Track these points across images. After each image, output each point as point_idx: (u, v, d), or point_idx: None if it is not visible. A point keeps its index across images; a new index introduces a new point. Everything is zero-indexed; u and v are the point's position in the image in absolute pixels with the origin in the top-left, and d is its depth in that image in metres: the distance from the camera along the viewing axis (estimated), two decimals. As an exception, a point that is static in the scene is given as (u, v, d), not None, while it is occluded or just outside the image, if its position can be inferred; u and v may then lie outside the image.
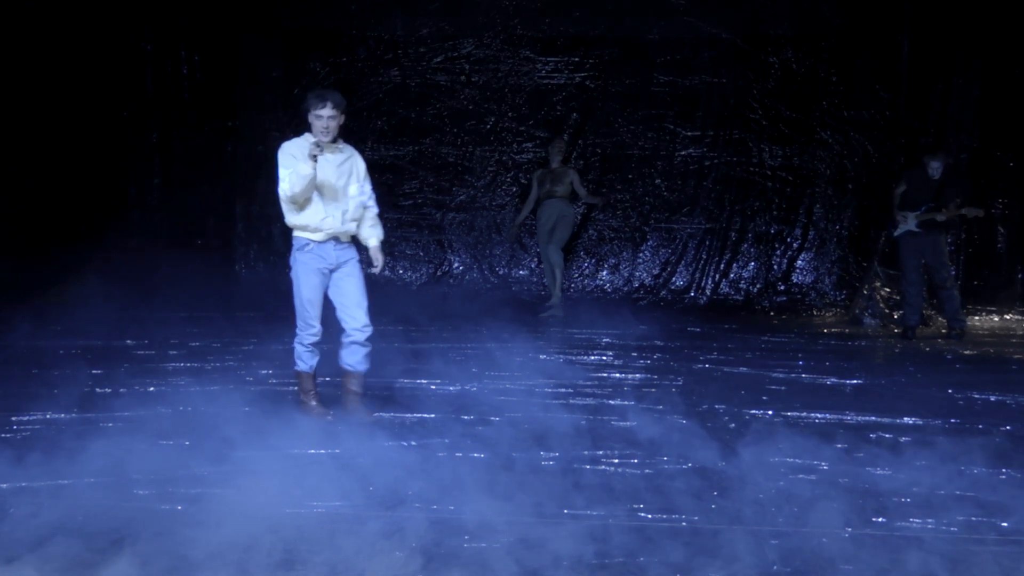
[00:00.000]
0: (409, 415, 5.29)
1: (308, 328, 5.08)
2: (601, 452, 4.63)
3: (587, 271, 11.35)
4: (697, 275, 11.19)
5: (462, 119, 11.28)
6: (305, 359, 5.17)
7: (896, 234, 8.84)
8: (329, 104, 4.87)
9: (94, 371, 6.22)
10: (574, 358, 7.08)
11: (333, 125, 4.93)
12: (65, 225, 9.97)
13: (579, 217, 10.95)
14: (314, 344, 5.15)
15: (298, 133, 5.08)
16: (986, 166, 10.39)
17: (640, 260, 11.28)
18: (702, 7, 10.92)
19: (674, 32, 11.01)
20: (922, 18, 10.42)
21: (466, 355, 7.04)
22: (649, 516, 3.75)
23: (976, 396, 6.05)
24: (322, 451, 4.46)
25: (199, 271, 10.36)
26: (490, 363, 6.61)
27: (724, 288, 11.16)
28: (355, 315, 5.07)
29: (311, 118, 4.91)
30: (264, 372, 6.30)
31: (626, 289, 11.20)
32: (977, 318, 10.17)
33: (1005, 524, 3.72)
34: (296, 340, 5.14)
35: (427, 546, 3.36)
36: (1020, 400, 5.95)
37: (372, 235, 5.23)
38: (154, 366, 6.45)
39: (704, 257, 11.20)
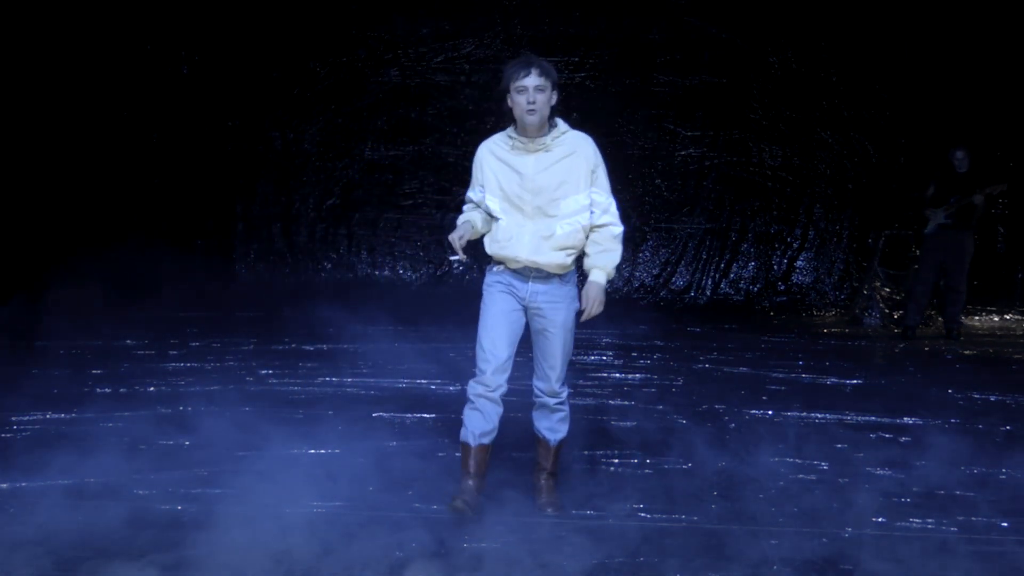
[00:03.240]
0: (409, 415, 5.30)
1: (479, 372, 3.69)
2: (601, 452, 4.63)
3: (587, 271, 11.34)
4: (697, 275, 11.18)
5: (462, 119, 11.26)
6: (468, 423, 3.71)
7: (927, 231, 8.82)
8: (534, 71, 3.54)
9: (94, 371, 6.22)
10: (574, 358, 7.04)
11: (541, 100, 3.56)
12: (65, 225, 9.95)
13: (579, 217, 10.93)
14: (484, 399, 3.68)
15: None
16: (986, 166, 10.37)
17: (640, 260, 11.26)
18: (702, 7, 10.90)
19: (674, 32, 11.00)
20: (922, 18, 10.41)
21: (466, 355, 7.03)
22: (649, 516, 3.75)
23: (976, 396, 6.05)
24: (322, 451, 4.46)
25: (199, 271, 10.35)
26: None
27: (724, 288, 11.15)
28: (546, 377, 3.77)
29: (511, 96, 3.58)
30: (264, 372, 6.29)
31: (626, 289, 11.19)
32: (977, 318, 10.16)
33: (1005, 524, 3.72)
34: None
35: (427, 546, 3.36)
36: (1020, 400, 5.96)
37: (596, 263, 3.69)
38: (154, 366, 6.45)
39: (704, 257, 11.19)
